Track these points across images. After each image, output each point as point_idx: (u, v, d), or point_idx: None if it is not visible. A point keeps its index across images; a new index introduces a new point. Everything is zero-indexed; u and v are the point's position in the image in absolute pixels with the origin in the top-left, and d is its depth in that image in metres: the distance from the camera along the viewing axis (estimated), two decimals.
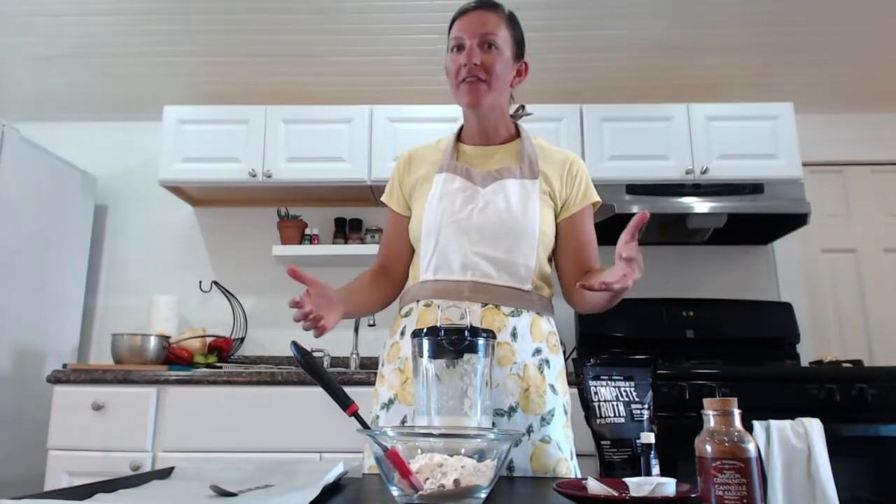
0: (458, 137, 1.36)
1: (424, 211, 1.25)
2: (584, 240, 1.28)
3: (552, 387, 1.20)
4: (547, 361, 1.22)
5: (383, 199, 1.40)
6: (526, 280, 1.21)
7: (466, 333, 0.98)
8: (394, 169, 1.39)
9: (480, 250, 1.20)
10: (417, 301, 1.25)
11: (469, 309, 1.15)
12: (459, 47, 1.23)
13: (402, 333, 1.25)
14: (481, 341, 0.98)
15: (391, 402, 1.21)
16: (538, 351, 1.20)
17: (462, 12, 1.26)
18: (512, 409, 1.14)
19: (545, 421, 1.15)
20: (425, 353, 0.99)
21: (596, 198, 1.31)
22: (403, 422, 1.17)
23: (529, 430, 1.14)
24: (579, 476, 1.17)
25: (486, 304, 1.18)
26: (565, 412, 1.22)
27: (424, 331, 0.99)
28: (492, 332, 1.02)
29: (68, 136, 3.13)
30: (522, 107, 1.43)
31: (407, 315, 1.26)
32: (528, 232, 1.21)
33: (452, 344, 0.97)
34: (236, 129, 2.75)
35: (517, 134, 1.35)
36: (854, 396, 2.04)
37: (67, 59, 2.82)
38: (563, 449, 1.16)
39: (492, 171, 1.26)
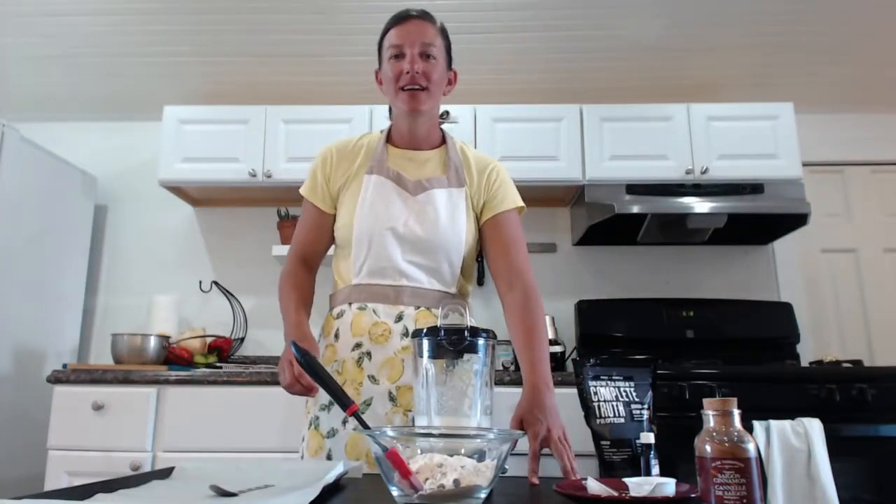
0: (388, 139, 1.38)
1: (355, 215, 1.28)
2: (509, 241, 1.32)
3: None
4: None
5: (304, 193, 1.38)
6: (452, 284, 1.31)
7: (466, 333, 0.98)
8: (317, 163, 1.37)
9: (412, 259, 1.27)
10: (350, 304, 1.29)
11: (405, 311, 1.25)
12: (399, 55, 1.27)
13: (337, 336, 1.29)
14: (481, 341, 0.98)
15: (332, 403, 1.25)
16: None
17: (399, 20, 1.30)
18: None
19: None
20: (425, 354, 0.99)
21: (519, 203, 1.37)
22: (345, 421, 1.23)
23: None
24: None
25: (419, 308, 1.27)
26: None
27: (424, 331, 0.99)
28: (492, 331, 1.02)
29: (68, 136, 3.13)
30: (446, 112, 1.49)
31: (339, 317, 1.30)
32: (456, 244, 1.29)
33: (452, 344, 0.97)
34: (236, 129, 2.75)
35: (443, 140, 1.40)
36: (854, 396, 2.04)
37: (67, 59, 2.82)
38: None
39: (422, 181, 1.31)
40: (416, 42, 1.26)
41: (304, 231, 1.37)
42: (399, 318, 1.25)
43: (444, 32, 1.33)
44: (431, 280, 1.28)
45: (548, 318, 2.69)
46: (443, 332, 0.98)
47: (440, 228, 1.27)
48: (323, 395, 1.27)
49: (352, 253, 1.28)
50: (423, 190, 1.30)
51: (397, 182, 1.30)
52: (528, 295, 1.27)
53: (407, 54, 1.26)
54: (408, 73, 1.25)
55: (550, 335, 2.64)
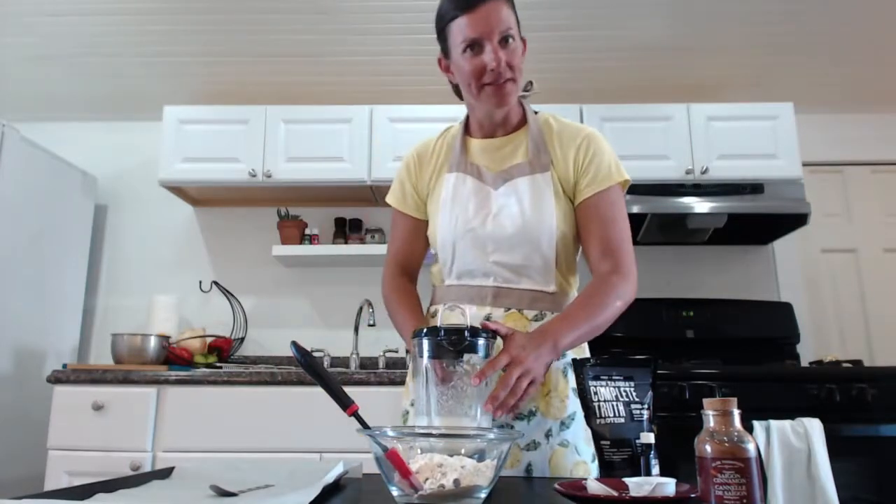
0: (466, 130, 1.29)
1: (438, 220, 1.23)
2: (606, 222, 1.17)
3: (574, 390, 1.17)
4: (571, 364, 1.20)
5: (393, 203, 1.33)
6: (549, 282, 1.19)
7: (466, 334, 0.97)
8: (402, 170, 1.32)
9: (498, 259, 1.18)
10: (444, 304, 1.23)
11: (492, 314, 1.16)
12: (476, 47, 1.12)
13: None
14: (481, 341, 0.98)
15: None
16: (563, 354, 1.16)
17: (469, 7, 1.11)
18: (531, 413, 1.14)
19: (564, 425, 1.14)
20: (425, 354, 0.98)
21: (622, 177, 1.20)
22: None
23: (548, 434, 1.13)
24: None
25: (509, 309, 1.17)
26: None
27: (424, 331, 0.99)
28: (492, 331, 1.01)
29: (68, 136, 3.13)
30: (530, 83, 1.32)
31: (433, 316, 1.26)
32: (545, 235, 1.16)
33: (452, 344, 0.97)
34: (236, 129, 2.75)
35: (524, 118, 1.28)
36: (854, 396, 2.04)
37: (67, 59, 2.82)
38: (583, 452, 1.14)
39: (501, 173, 1.21)
40: (494, 32, 1.11)
41: (400, 241, 1.32)
42: (487, 320, 1.15)
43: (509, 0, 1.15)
44: (522, 279, 1.18)
45: None
46: (442, 332, 0.97)
47: (526, 222, 1.16)
48: (412, 391, 1.24)
49: (440, 257, 1.25)
50: (503, 182, 1.20)
51: (478, 177, 1.22)
52: (605, 277, 1.14)
53: (487, 47, 1.11)
54: (493, 69, 1.12)
55: None
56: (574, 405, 1.17)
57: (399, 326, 1.26)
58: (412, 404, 1.23)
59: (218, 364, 2.64)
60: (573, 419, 1.16)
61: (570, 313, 1.12)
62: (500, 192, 1.19)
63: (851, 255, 3.04)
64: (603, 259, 1.16)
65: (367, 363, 2.82)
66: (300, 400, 2.17)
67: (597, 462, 1.17)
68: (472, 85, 1.16)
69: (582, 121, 2.71)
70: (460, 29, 1.12)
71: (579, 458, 1.14)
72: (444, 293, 1.24)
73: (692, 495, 0.76)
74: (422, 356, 0.99)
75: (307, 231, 2.87)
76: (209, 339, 2.70)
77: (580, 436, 1.16)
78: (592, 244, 1.18)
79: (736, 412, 0.73)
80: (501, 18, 1.11)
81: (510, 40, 1.13)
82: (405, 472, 0.71)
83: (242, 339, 2.91)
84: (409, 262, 1.33)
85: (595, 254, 1.18)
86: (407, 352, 1.19)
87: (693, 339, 2.68)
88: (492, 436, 0.78)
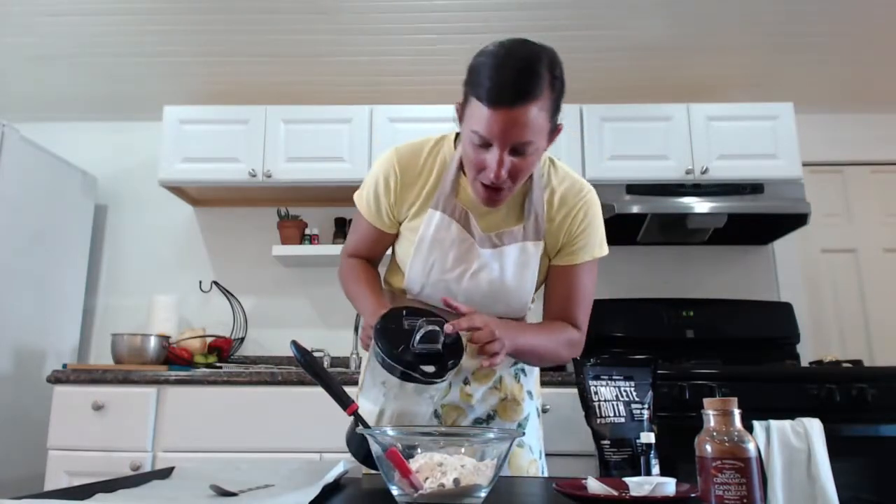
0: (461, 165, 1.15)
1: (410, 258, 1.15)
2: (575, 288, 1.18)
3: (529, 393, 1.24)
4: (523, 370, 1.24)
5: (365, 214, 1.22)
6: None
7: (446, 377, 0.92)
8: (380, 183, 1.17)
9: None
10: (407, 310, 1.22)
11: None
12: (485, 145, 1.00)
13: None
14: (452, 369, 0.94)
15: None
16: (515, 362, 1.22)
17: (493, 103, 0.96)
18: (490, 417, 1.19)
19: (521, 426, 1.20)
20: (390, 375, 0.93)
21: (602, 252, 1.19)
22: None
23: None
24: (546, 472, 1.23)
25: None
26: (538, 414, 1.26)
27: (395, 356, 0.91)
28: (460, 343, 0.98)
29: (68, 136, 3.13)
30: None
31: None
32: (521, 302, 1.16)
33: (429, 380, 0.92)
34: (236, 129, 2.75)
35: None
36: (854, 396, 2.04)
37: (67, 59, 2.82)
38: (535, 450, 1.21)
39: (492, 235, 1.13)
40: (507, 142, 0.98)
41: (362, 242, 1.26)
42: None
43: (553, 84, 0.99)
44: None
45: None
46: (419, 373, 0.90)
47: (505, 286, 1.14)
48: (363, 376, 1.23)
49: (405, 285, 1.19)
50: (491, 245, 1.13)
51: (465, 225, 1.12)
52: (566, 326, 1.17)
53: (493, 151, 0.99)
54: (493, 175, 1.00)
55: None
56: (528, 407, 1.22)
57: (355, 296, 1.20)
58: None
59: (218, 364, 2.64)
60: (527, 420, 1.21)
61: (535, 328, 1.15)
62: (485, 252, 1.13)
63: (851, 255, 3.04)
64: (562, 314, 1.19)
65: None
66: (300, 400, 2.17)
67: (544, 457, 1.23)
68: (469, 169, 1.07)
69: (582, 121, 2.70)
70: (479, 116, 0.98)
71: (532, 456, 1.20)
72: (409, 303, 1.18)
73: (692, 495, 0.76)
74: (379, 360, 0.93)
75: (307, 231, 2.87)
76: (209, 339, 2.70)
77: (533, 435, 1.22)
78: (556, 300, 1.20)
79: (736, 412, 0.73)
80: (525, 128, 0.96)
81: (527, 150, 1.00)
82: (405, 472, 0.71)
83: (242, 339, 2.90)
84: (371, 257, 1.31)
85: (556, 308, 1.20)
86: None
87: (693, 339, 2.68)
88: (492, 435, 0.78)
